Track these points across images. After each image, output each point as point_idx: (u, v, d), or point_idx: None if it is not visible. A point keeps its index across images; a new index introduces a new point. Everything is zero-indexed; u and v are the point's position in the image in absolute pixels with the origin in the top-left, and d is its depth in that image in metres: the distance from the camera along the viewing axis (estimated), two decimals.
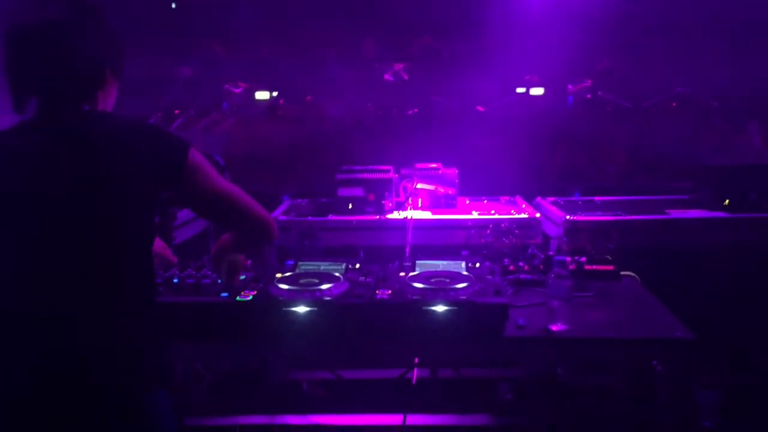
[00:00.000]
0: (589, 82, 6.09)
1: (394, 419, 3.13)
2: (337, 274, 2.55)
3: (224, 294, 2.40)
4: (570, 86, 6.12)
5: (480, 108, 5.97)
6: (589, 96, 6.11)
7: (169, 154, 1.65)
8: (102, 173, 1.57)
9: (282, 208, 3.82)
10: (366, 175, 3.64)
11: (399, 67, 6.13)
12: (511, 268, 2.93)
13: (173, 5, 5.90)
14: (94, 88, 1.71)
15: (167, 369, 1.77)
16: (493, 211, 3.58)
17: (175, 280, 2.51)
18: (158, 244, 2.42)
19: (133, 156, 1.59)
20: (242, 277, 2.48)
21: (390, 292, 2.40)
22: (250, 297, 2.40)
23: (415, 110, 6.06)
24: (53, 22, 1.63)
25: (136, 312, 1.65)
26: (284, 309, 2.35)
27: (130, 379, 1.61)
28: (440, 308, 2.30)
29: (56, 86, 1.65)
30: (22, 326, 1.57)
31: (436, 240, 3.39)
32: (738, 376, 3.38)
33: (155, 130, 1.67)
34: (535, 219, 3.42)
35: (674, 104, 5.81)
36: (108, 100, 1.77)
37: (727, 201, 3.56)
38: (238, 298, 2.38)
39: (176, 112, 5.87)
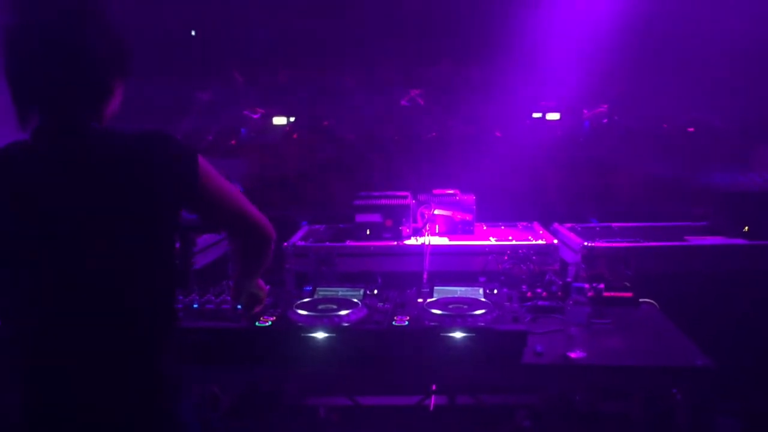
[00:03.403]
0: (605, 107, 6.09)
1: None
2: (355, 300, 2.56)
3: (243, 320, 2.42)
4: (586, 111, 6.12)
5: (497, 133, 5.99)
6: (605, 121, 6.11)
7: (181, 164, 1.62)
8: (114, 196, 1.55)
9: (300, 233, 3.83)
10: (383, 201, 3.65)
11: (415, 92, 6.17)
12: (529, 294, 2.93)
13: (192, 33, 5.98)
14: (98, 95, 1.65)
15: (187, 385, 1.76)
16: (510, 238, 3.58)
17: (195, 306, 2.53)
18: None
19: (145, 172, 1.57)
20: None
21: (408, 318, 2.41)
22: (269, 322, 2.42)
23: (432, 135, 6.09)
24: (51, 27, 1.56)
25: (157, 330, 1.65)
26: (302, 335, 2.36)
27: (154, 390, 1.63)
28: (458, 335, 2.30)
29: (57, 96, 1.59)
30: (43, 353, 1.58)
31: (454, 266, 3.39)
32: (758, 403, 3.34)
33: (163, 139, 1.62)
34: (553, 245, 3.41)
35: (691, 129, 5.80)
36: (111, 107, 1.71)
37: (746, 228, 3.54)
38: (257, 323, 2.40)
39: (195, 137, 5.92)
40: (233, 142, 6.22)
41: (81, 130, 1.60)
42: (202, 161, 1.67)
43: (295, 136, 6.29)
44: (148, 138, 1.61)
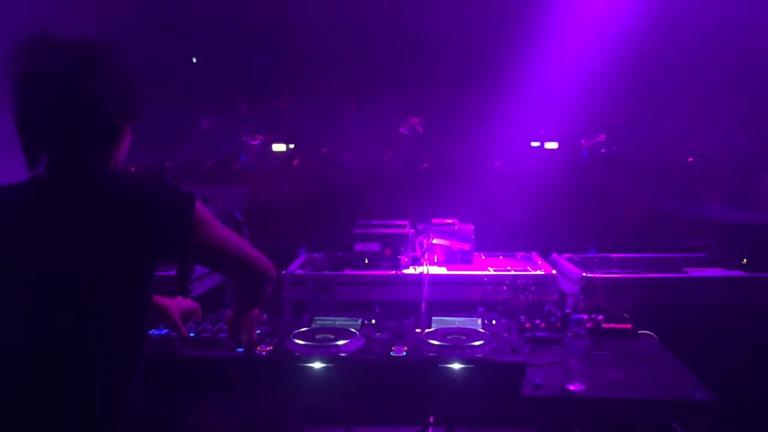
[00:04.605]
0: (603, 137, 6.10)
1: None
2: (353, 330, 2.55)
3: (240, 349, 2.40)
4: (584, 141, 6.14)
5: (495, 162, 5.99)
6: (603, 150, 6.12)
7: (175, 214, 1.62)
8: (104, 240, 1.54)
9: (298, 261, 3.83)
10: (382, 230, 3.65)
11: (414, 120, 6.18)
12: (528, 325, 2.92)
13: (194, 60, 6.01)
14: (106, 141, 1.67)
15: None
16: (509, 268, 3.57)
17: (192, 334, 2.51)
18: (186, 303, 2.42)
19: (139, 219, 1.57)
20: (258, 331, 2.49)
21: (406, 348, 2.40)
22: (266, 352, 2.40)
23: (431, 164, 6.10)
24: (59, 75, 1.58)
25: (121, 377, 1.61)
26: (300, 365, 2.35)
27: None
28: (456, 366, 2.29)
29: (65, 141, 1.61)
30: (13, 388, 1.52)
31: (452, 296, 3.38)
32: None
33: (159, 187, 1.63)
34: (552, 276, 3.40)
35: (690, 159, 5.81)
36: (121, 150, 1.73)
37: (745, 260, 3.53)
38: (254, 353, 2.39)
39: (194, 164, 5.93)
40: (232, 168, 6.22)
41: (82, 180, 1.61)
42: (199, 210, 1.67)
43: (294, 163, 6.29)
44: (143, 182, 1.62)
